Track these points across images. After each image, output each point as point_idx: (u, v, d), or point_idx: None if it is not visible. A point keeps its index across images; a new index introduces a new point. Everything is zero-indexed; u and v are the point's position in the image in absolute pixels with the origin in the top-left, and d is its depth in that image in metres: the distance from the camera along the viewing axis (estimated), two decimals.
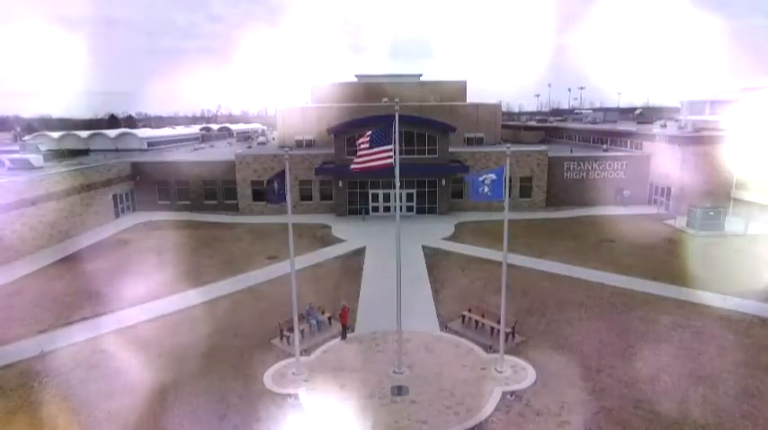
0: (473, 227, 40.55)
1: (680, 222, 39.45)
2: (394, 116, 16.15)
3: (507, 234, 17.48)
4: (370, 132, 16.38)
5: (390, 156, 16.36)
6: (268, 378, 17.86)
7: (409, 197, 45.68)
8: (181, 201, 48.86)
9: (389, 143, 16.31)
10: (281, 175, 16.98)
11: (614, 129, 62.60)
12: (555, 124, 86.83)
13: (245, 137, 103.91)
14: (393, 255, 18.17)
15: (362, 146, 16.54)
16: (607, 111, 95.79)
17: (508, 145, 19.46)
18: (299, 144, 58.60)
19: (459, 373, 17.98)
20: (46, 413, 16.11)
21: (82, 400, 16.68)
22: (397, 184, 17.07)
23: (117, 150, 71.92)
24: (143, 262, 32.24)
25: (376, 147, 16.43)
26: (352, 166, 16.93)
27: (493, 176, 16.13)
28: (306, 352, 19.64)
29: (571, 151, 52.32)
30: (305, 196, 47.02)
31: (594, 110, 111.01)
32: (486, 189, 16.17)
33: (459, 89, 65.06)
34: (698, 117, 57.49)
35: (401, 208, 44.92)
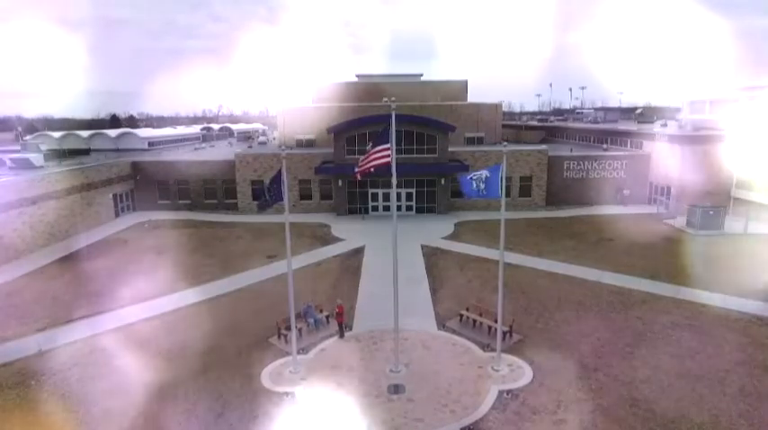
0: (472, 226, 40.55)
1: (680, 221, 39.40)
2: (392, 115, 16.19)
3: (504, 233, 17.47)
4: (371, 144, 16.62)
5: (388, 155, 16.40)
6: (265, 376, 17.89)
7: (409, 196, 45.67)
8: (181, 200, 48.99)
9: (387, 142, 16.37)
10: (277, 177, 17.04)
11: (614, 128, 62.56)
12: (555, 124, 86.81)
13: (246, 137, 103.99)
14: (392, 254, 18.16)
15: (366, 154, 16.70)
16: (608, 111, 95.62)
17: (505, 143, 19.44)
18: (299, 143, 58.68)
19: (456, 372, 17.98)
20: (43, 411, 16.16)
21: (79, 398, 16.73)
22: (394, 183, 17.08)
23: (118, 150, 72.05)
24: (143, 261, 32.31)
25: (376, 147, 16.54)
26: (356, 171, 17.03)
27: (486, 174, 16.11)
28: (303, 350, 19.68)
29: (571, 150, 52.29)
30: (305, 195, 47.07)
31: (596, 109, 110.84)
32: (483, 186, 16.16)
33: (460, 89, 65.06)
34: (698, 116, 57.39)
35: (400, 207, 44.98)
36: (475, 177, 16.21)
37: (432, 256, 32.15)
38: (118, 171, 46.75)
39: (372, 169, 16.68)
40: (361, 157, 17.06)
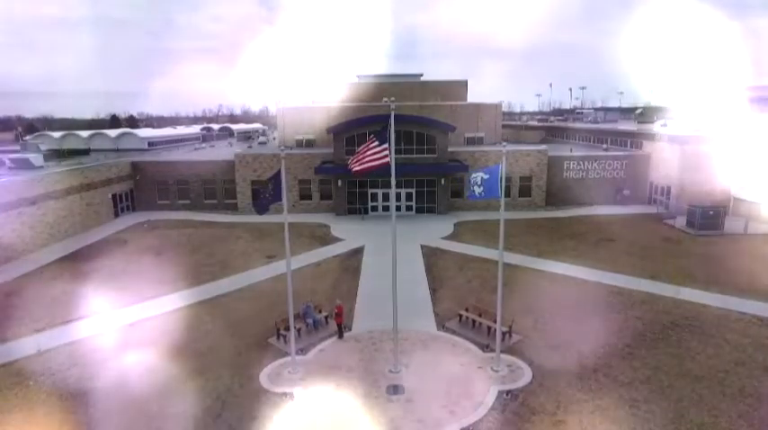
0: (472, 226, 40.51)
1: (679, 222, 39.34)
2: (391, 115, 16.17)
3: (503, 233, 17.43)
4: (372, 137, 16.54)
5: (387, 155, 16.35)
6: (264, 377, 17.86)
7: (409, 196, 45.63)
8: (180, 200, 48.97)
9: (385, 142, 16.33)
10: (275, 178, 17.02)
11: (614, 128, 62.57)
12: (556, 124, 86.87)
13: (246, 136, 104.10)
14: (391, 254, 18.12)
15: (363, 148, 16.60)
16: (608, 111, 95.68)
17: (504, 143, 19.40)
18: (299, 143, 58.60)
19: (456, 372, 17.94)
20: (42, 411, 16.12)
21: (78, 399, 16.70)
22: (393, 183, 17.04)
23: (117, 150, 72.17)
24: (142, 261, 32.27)
25: (374, 147, 16.49)
26: (353, 169, 16.92)
27: (485, 175, 16.08)
28: (302, 351, 19.65)
29: (571, 150, 52.25)
30: (304, 196, 47.04)
31: (596, 109, 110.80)
32: (480, 189, 16.14)
33: (460, 89, 64.90)
34: (699, 115, 57.35)
35: (399, 207, 44.97)
36: (478, 180, 16.16)
37: (431, 257, 32.11)
38: (117, 171, 46.71)
39: (372, 169, 16.62)
40: (356, 155, 16.90)
